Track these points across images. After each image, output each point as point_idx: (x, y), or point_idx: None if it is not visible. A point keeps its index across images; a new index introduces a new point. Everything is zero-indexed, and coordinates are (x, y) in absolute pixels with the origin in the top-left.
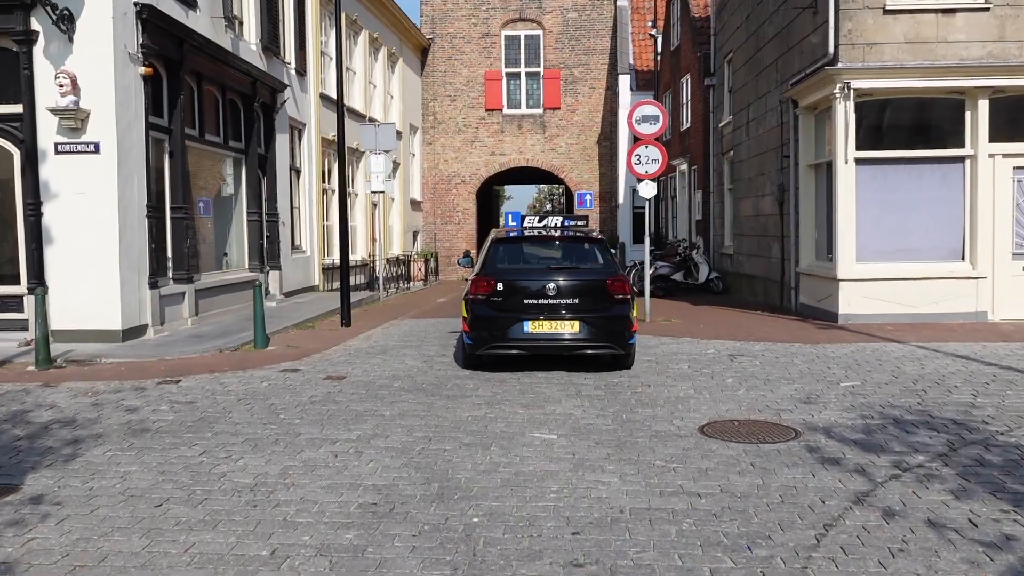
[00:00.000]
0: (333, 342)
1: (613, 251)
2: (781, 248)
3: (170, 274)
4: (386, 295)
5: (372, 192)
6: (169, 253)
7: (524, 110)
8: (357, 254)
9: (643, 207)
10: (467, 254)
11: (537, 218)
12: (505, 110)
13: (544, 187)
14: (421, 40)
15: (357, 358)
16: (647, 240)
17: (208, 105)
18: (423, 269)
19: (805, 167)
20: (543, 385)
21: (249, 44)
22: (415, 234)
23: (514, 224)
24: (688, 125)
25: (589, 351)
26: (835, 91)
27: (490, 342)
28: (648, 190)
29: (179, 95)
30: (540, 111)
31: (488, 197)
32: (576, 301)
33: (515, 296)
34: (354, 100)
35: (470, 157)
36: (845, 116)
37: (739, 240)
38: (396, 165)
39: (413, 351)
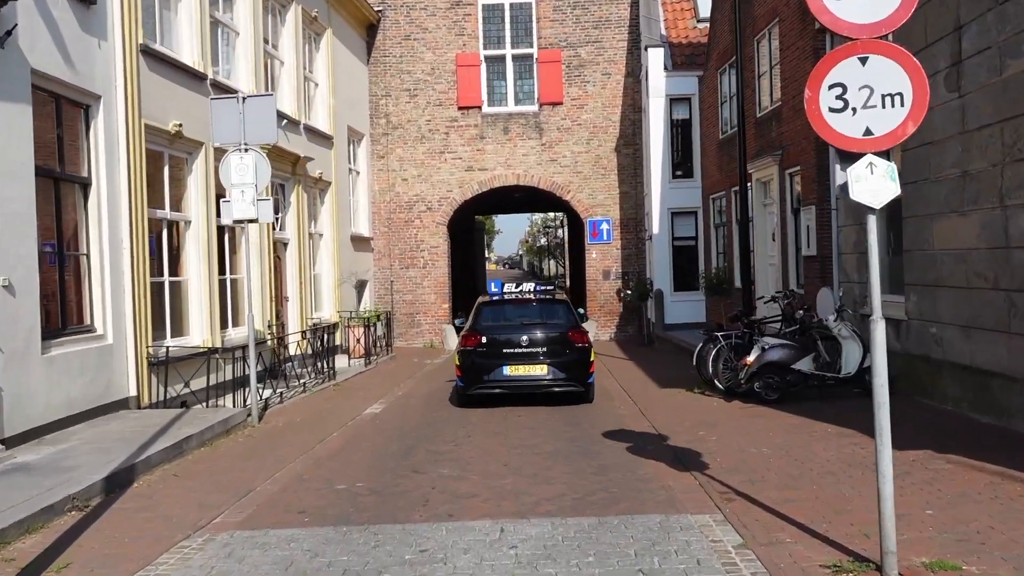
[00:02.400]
0: None
1: (581, 310)
2: None
3: None
4: (277, 402)
5: (235, 222)
6: None
7: (512, 107)
8: (243, 327)
9: (691, 238)
10: (459, 315)
11: (515, 284)
12: (485, 108)
13: (537, 217)
14: (366, 12)
15: None
16: (834, 306)
17: None
18: (363, 340)
19: None
20: None
21: None
22: (360, 285)
23: (496, 290)
24: (776, 105)
25: (556, 389)
26: None
27: (477, 384)
28: (876, 186)
29: None
30: (534, 108)
31: (467, 231)
32: (545, 349)
33: (497, 347)
34: (238, 77)
35: (438, 175)
36: None
37: (928, 296)
38: (324, 184)
39: None
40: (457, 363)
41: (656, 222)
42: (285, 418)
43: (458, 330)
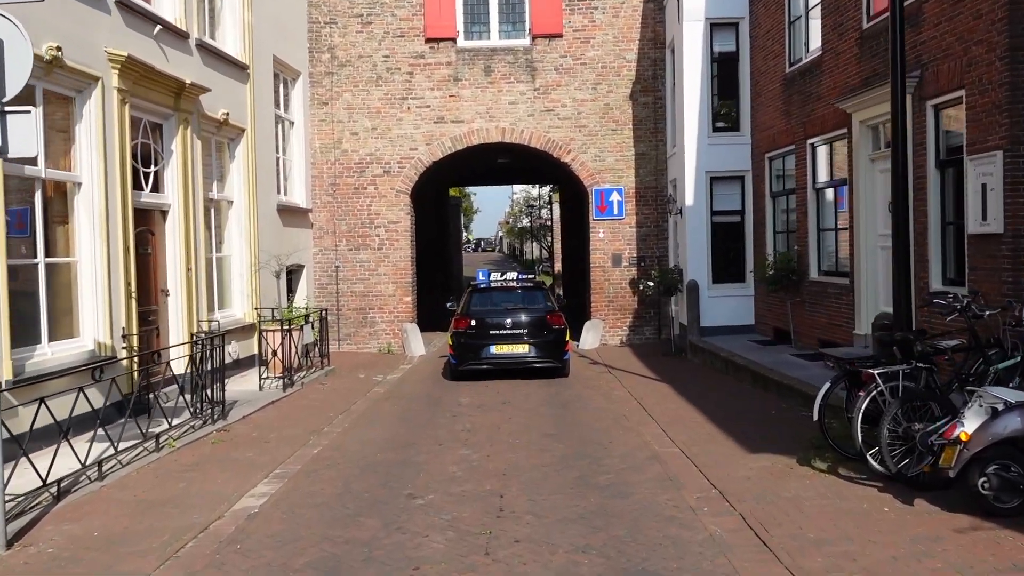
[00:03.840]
0: None
1: (559, 293)
2: None
3: None
4: (93, 479)
5: None
6: None
7: (496, 41)
8: (83, 338)
9: (736, 212)
10: (451, 299)
11: (500, 274)
12: (461, 41)
13: (518, 191)
14: None
15: None
16: None
17: None
18: (283, 350)
19: None
20: None
21: None
22: (291, 272)
23: (484, 279)
24: (906, 2)
25: (536, 365)
26: None
27: (468, 360)
28: None
29: None
30: (525, 42)
31: (437, 205)
32: (526, 330)
33: (484, 328)
34: None
35: (399, 128)
36: None
37: None
38: (233, 130)
39: None
40: (450, 343)
41: (690, 190)
42: (75, 527)
43: (449, 313)
